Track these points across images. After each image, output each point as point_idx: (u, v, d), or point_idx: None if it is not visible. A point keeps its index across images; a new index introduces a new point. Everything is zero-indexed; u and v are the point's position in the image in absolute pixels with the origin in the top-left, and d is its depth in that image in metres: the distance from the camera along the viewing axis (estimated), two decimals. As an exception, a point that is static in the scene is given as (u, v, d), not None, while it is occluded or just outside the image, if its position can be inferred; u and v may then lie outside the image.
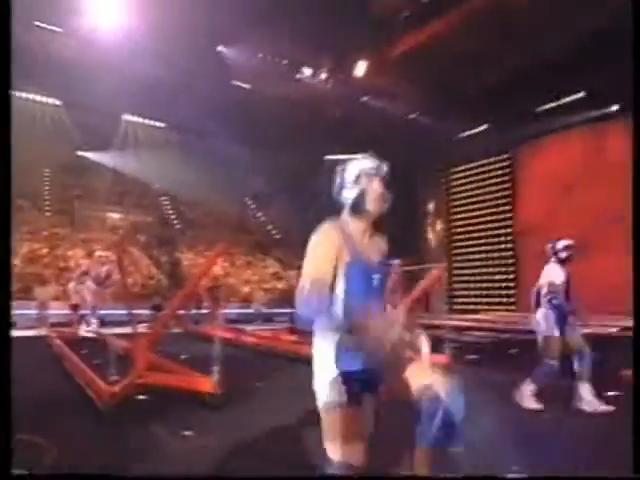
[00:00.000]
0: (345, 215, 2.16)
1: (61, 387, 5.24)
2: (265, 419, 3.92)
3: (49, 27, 18.58)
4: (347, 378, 1.93)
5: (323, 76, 17.95)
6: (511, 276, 21.38)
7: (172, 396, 4.34)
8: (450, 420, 1.84)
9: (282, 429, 3.64)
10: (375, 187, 2.13)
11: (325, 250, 2.02)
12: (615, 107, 17.92)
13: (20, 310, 10.97)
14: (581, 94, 18.78)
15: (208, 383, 4.25)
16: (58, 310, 11.67)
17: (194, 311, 11.60)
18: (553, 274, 4.77)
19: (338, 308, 2.01)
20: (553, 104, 19.78)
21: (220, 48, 17.08)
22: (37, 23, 17.89)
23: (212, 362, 4.18)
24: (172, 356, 5.98)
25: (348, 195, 2.16)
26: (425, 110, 20.75)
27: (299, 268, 2.17)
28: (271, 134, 21.41)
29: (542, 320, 4.73)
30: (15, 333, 9.33)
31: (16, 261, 16.72)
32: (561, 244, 4.90)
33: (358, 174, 2.14)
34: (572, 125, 18.99)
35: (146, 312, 10.07)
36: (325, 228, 2.08)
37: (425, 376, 1.93)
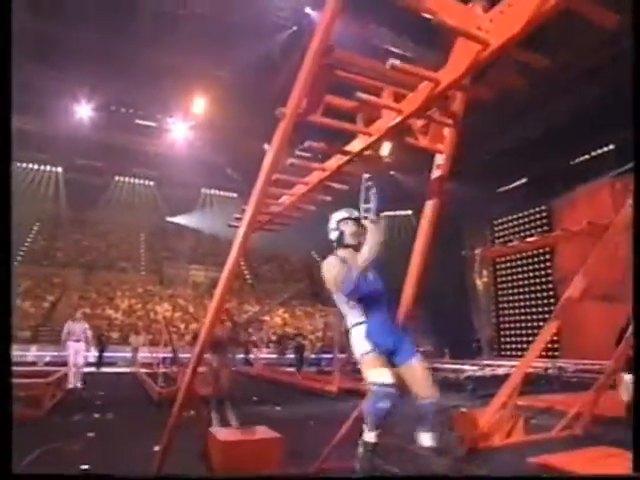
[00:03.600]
0: (339, 250, 2.94)
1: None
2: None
3: (147, 124, 23.31)
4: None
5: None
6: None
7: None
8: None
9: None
10: (349, 228, 2.91)
11: (339, 277, 2.73)
12: (641, 160, 18.93)
13: (119, 353, 14.78)
14: (610, 147, 19.77)
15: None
16: (146, 353, 15.12)
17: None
18: None
19: (360, 314, 2.78)
20: (584, 157, 20.85)
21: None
22: (137, 121, 22.84)
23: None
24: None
25: (332, 237, 2.98)
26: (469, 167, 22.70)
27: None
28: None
29: None
30: (114, 370, 12.65)
31: (118, 314, 20.84)
32: None
33: (337, 221, 2.95)
34: (602, 177, 20.05)
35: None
36: (332, 258, 2.88)
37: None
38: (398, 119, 2.11)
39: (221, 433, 3.71)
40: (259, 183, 2.45)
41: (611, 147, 19.68)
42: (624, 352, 5.81)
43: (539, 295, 23.34)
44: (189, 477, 2.80)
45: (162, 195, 28.75)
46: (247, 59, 16.56)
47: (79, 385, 9.32)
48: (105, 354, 14.71)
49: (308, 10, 15.20)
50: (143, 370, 12.28)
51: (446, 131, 2.41)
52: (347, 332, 2.86)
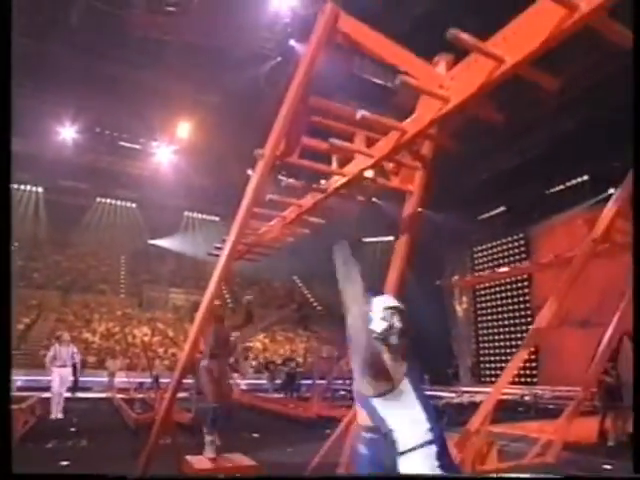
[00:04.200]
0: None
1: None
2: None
3: (131, 146, 23.37)
4: None
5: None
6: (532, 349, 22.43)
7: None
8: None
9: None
10: (396, 324, 2.24)
11: None
12: (614, 190, 19.57)
13: (95, 378, 14.54)
14: (585, 178, 20.39)
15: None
16: (123, 378, 14.87)
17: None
18: None
19: None
20: (560, 187, 21.47)
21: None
22: (121, 144, 22.90)
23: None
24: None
25: (376, 327, 2.24)
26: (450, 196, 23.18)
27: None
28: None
29: None
30: (89, 395, 12.37)
31: (95, 337, 20.46)
32: None
33: (384, 307, 2.29)
34: (578, 206, 20.58)
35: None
36: None
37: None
38: (369, 163, 2.27)
39: (196, 461, 3.72)
40: (239, 216, 2.57)
41: (585, 178, 20.38)
42: (594, 378, 5.98)
43: (518, 322, 23.63)
44: (188, 477, 2.60)
45: (144, 217, 28.62)
46: (232, 85, 16.84)
47: (59, 416, 8.52)
48: (81, 379, 14.42)
49: (293, 43, 15.59)
50: (119, 395, 12.07)
51: (416, 173, 2.57)
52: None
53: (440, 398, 12.46)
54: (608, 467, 4.94)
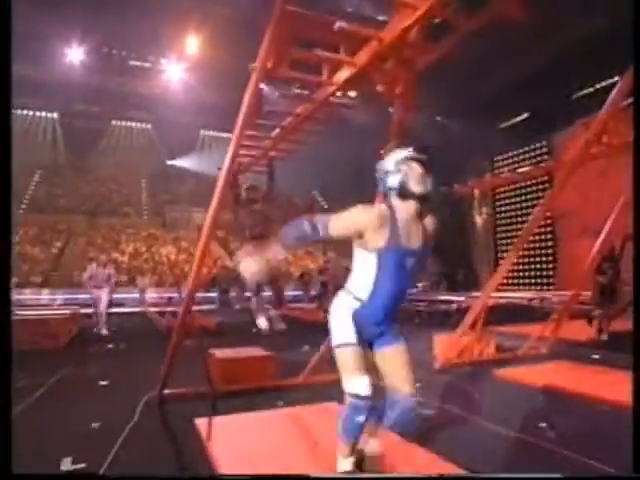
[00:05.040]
0: (394, 200, 2.21)
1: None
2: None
3: (141, 65, 22.87)
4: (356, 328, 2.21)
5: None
6: (550, 257, 22.75)
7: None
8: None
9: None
10: (415, 169, 2.17)
11: (358, 225, 2.15)
12: (643, 92, 18.67)
13: (127, 294, 15.53)
14: (615, 79, 19.47)
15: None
16: (153, 294, 15.85)
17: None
18: None
19: (366, 285, 2.17)
20: (587, 90, 20.55)
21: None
22: (130, 63, 22.41)
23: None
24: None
25: (392, 181, 2.19)
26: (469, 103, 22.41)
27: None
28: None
29: None
30: (123, 310, 13.34)
31: (124, 257, 21.46)
32: None
33: (397, 162, 2.21)
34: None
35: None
36: (375, 211, 2.16)
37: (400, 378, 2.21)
38: (354, 71, 2.37)
39: (219, 353, 4.23)
40: (237, 129, 2.75)
41: (616, 79, 19.35)
42: (587, 279, 6.24)
43: (537, 230, 23.67)
44: (189, 477, 2.66)
45: (160, 138, 28.65)
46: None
47: (104, 332, 8.69)
48: (114, 296, 15.41)
49: None
50: (151, 309, 12.97)
51: (401, 79, 2.65)
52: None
53: (452, 302, 13.02)
54: (596, 356, 5.34)
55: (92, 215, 24.84)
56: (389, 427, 2.29)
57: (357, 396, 2.15)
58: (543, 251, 23.18)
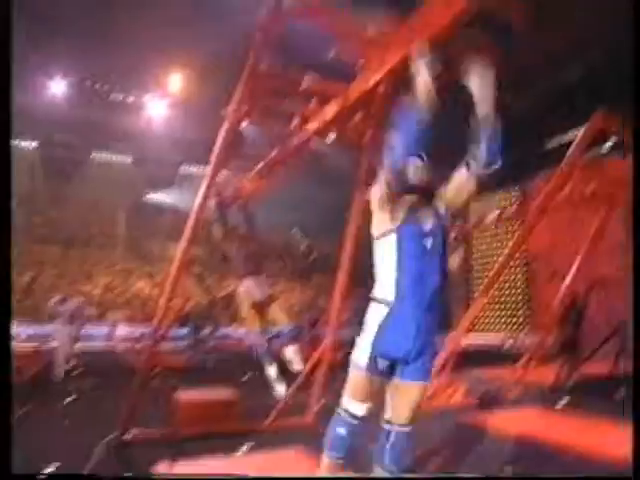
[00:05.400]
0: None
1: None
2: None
3: (124, 99, 23.08)
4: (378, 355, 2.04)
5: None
6: (523, 300, 23.05)
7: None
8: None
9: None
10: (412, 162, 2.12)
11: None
12: (609, 143, 19.56)
13: (96, 329, 15.12)
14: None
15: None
16: (124, 329, 15.48)
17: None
18: None
19: (389, 276, 2.04)
20: (555, 140, 21.41)
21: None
22: (113, 97, 22.60)
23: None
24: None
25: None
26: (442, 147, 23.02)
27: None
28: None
29: None
30: (92, 344, 12.95)
31: (96, 291, 21.04)
32: None
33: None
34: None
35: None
36: (376, 187, 2.14)
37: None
38: (321, 124, 2.50)
39: (184, 395, 4.14)
40: (211, 168, 2.84)
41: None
42: (551, 326, 6.37)
43: (510, 273, 24.05)
44: (187, 477, 2.67)
45: (140, 171, 28.62)
46: (226, 35, 16.49)
47: (66, 367, 8.21)
48: (83, 331, 14.99)
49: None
50: (120, 345, 12.65)
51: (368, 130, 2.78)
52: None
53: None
54: (563, 402, 5.38)
55: (66, 245, 24.46)
56: (384, 460, 2.15)
57: (346, 410, 2.09)
58: (515, 293, 23.52)
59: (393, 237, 2.05)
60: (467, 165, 2.12)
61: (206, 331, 16.51)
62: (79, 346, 11.06)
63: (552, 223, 22.22)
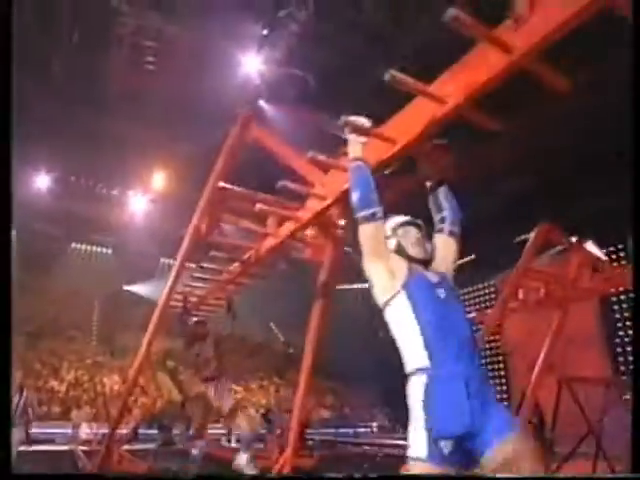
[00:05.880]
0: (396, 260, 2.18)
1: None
2: None
3: (107, 194, 23.70)
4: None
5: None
6: (503, 392, 22.65)
7: None
8: None
9: None
10: (411, 233, 2.22)
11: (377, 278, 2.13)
12: (574, 239, 20.39)
13: (59, 429, 14.22)
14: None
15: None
16: (88, 430, 14.57)
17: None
18: None
19: (415, 338, 1.92)
20: (524, 236, 22.19)
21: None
22: (97, 192, 23.21)
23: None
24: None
25: (390, 245, 2.19)
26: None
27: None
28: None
29: None
30: (51, 447, 12.12)
31: (62, 387, 20.00)
32: None
33: (393, 227, 2.24)
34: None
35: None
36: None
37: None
38: (278, 241, 2.72)
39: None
40: (169, 281, 2.98)
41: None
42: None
43: (490, 366, 23.82)
44: (189, 477, 2.29)
45: (120, 263, 28.58)
46: (206, 138, 17.46)
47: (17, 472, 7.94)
48: (43, 430, 14.11)
49: (261, 103, 16.35)
50: (81, 448, 11.84)
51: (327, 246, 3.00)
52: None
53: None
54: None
55: (34, 337, 23.58)
56: None
57: None
58: (497, 385, 23.12)
59: (403, 295, 2.02)
60: (441, 231, 2.34)
61: (176, 431, 15.62)
62: (39, 448, 10.32)
63: (524, 316, 22.42)
